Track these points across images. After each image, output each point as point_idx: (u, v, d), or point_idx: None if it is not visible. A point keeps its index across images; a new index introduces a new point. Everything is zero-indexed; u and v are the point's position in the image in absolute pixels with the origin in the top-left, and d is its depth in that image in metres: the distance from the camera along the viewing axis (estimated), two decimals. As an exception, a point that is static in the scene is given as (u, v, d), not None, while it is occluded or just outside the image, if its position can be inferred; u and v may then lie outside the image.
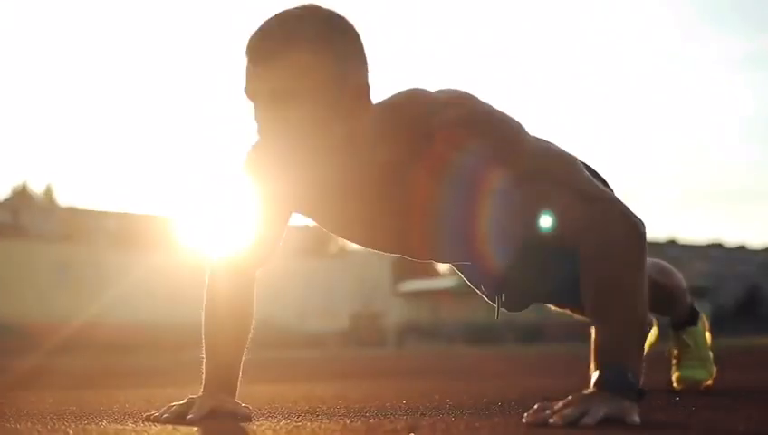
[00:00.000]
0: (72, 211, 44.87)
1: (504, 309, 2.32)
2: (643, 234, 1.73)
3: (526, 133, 1.81)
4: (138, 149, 79.76)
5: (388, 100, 1.82)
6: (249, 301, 2.04)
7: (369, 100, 1.76)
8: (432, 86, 1.86)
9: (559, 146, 1.84)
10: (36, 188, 54.47)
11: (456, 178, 1.78)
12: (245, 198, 1.96)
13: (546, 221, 1.73)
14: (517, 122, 1.81)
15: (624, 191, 2.31)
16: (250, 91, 1.71)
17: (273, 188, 1.92)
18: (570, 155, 1.80)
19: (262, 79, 1.68)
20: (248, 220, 1.98)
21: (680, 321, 2.76)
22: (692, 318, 2.77)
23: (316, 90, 1.68)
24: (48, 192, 54.34)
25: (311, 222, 2.04)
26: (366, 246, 2.05)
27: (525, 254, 2.02)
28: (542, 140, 1.84)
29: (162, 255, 32.82)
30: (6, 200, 47.45)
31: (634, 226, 1.72)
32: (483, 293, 2.31)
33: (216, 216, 2.12)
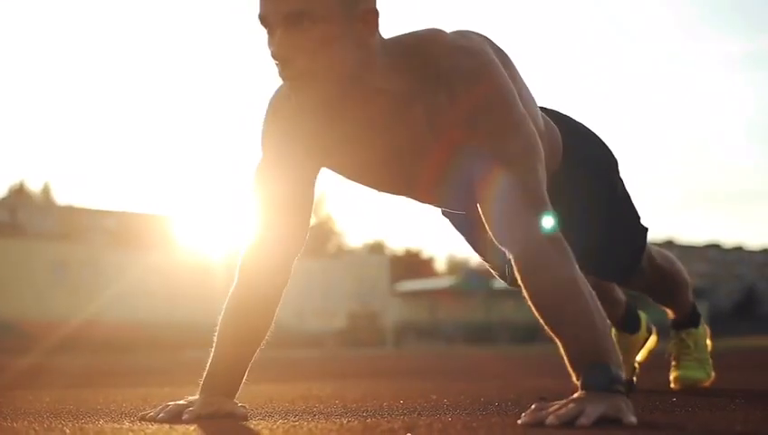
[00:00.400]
0: (70, 210, 44.85)
1: (507, 283, 2.32)
2: (562, 238, 1.74)
3: (515, 107, 1.80)
4: (136, 148, 79.79)
5: (405, 34, 1.85)
6: (270, 302, 1.99)
7: (379, 28, 1.78)
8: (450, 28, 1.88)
9: (535, 135, 1.82)
10: (34, 187, 54.45)
11: (459, 128, 1.80)
12: (270, 167, 1.94)
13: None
14: (512, 93, 1.81)
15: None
16: (264, 17, 1.74)
17: (292, 137, 1.91)
18: (537, 150, 1.79)
19: (275, 3, 1.71)
20: (275, 198, 1.94)
21: (682, 320, 2.76)
22: (694, 319, 2.77)
23: (328, 12, 1.71)
24: (46, 191, 54.31)
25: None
26: (377, 187, 2.02)
27: None
28: (526, 121, 1.81)
29: (160, 254, 32.79)
30: (4, 199, 47.44)
31: (557, 232, 1.74)
32: (490, 263, 2.32)
33: (228, 211, 2.07)
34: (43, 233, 40.44)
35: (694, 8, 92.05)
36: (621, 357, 1.72)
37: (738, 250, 71.08)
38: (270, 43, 1.75)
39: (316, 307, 36.20)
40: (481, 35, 1.90)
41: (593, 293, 1.70)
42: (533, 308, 1.73)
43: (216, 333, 1.98)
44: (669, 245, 64.14)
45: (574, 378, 1.65)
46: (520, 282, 1.74)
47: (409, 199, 2.09)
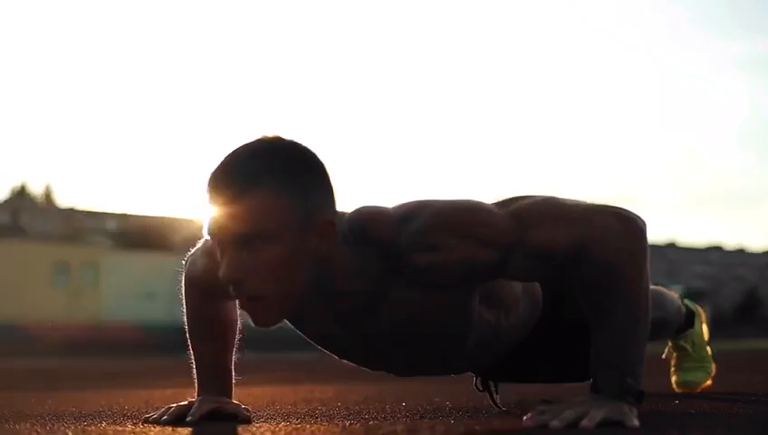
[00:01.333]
0: (72, 212, 44.86)
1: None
2: (642, 231, 1.70)
3: (492, 206, 1.74)
4: (137, 150, 79.79)
5: (355, 225, 1.72)
6: (228, 307, 2.01)
7: (337, 233, 1.67)
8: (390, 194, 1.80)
9: (526, 195, 1.78)
10: (35, 189, 54.37)
11: (434, 296, 1.74)
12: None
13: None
14: (477, 202, 1.74)
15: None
16: (213, 235, 1.65)
17: None
18: (542, 196, 1.75)
19: (224, 223, 1.62)
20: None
21: (678, 329, 2.76)
22: (688, 322, 2.76)
23: (281, 232, 1.62)
24: (47, 193, 54.28)
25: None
26: (348, 361, 2.01)
27: (515, 351, 2.03)
28: (509, 200, 1.77)
29: (162, 256, 32.81)
30: (5, 201, 47.44)
31: (631, 224, 1.70)
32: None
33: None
34: (45, 235, 40.44)
35: (691, 12, 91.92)
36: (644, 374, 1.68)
37: (740, 252, 70.97)
38: (220, 263, 1.64)
39: (318, 309, 36.13)
40: (421, 200, 1.78)
41: (649, 301, 1.67)
42: (581, 296, 1.68)
43: (189, 338, 2.02)
44: (671, 247, 64.14)
45: (591, 375, 1.65)
46: (582, 272, 1.67)
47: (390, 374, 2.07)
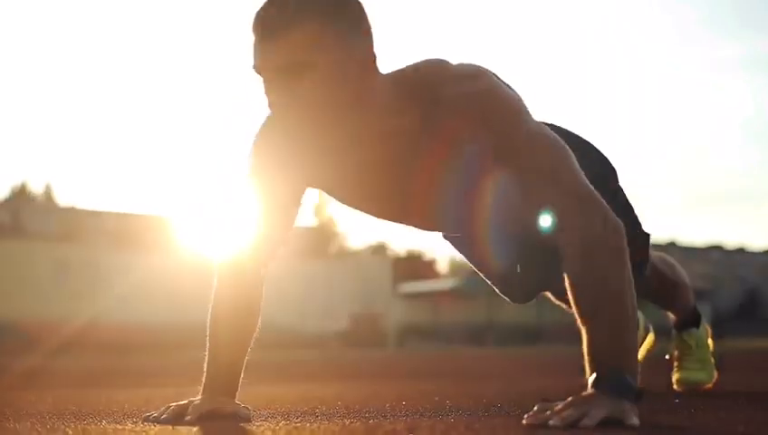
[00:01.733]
0: (72, 211, 44.86)
1: (510, 300, 2.33)
2: (624, 234, 1.73)
3: (529, 118, 1.82)
4: (137, 149, 79.83)
5: (403, 69, 1.85)
6: (254, 301, 2.03)
7: (377, 70, 1.79)
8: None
9: (557, 136, 1.83)
10: (36, 188, 54.42)
11: (460, 152, 1.82)
12: (255, 180, 1.96)
13: (546, 221, 1.73)
14: (522, 106, 1.82)
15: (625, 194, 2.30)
16: (258, 67, 1.74)
17: (284, 161, 1.93)
18: (564, 147, 1.80)
19: (269, 53, 1.71)
20: (256, 210, 1.98)
21: (683, 321, 2.76)
22: (695, 320, 2.77)
23: (323, 61, 1.71)
24: (47, 192, 54.29)
25: (311, 223, 2.05)
26: (375, 215, 2.06)
27: (528, 235, 2.02)
28: (543, 126, 1.83)
29: (162, 255, 32.80)
30: (6, 200, 47.48)
31: (616, 225, 1.73)
32: (492, 281, 2.31)
33: (219, 214, 2.13)
34: (45, 234, 40.45)
35: (691, 11, 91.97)
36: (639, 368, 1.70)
37: (741, 252, 71.00)
38: (265, 93, 1.76)
39: (318, 309, 36.16)
40: (484, 67, 1.89)
41: (635, 297, 1.69)
42: (570, 297, 1.70)
43: (207, 336, 2.01)
44: (672, 246, 64.17)
45: (587, 374, 1.65)
46: (565, 267, 1.71)
47: (411, 227, 2.13)
